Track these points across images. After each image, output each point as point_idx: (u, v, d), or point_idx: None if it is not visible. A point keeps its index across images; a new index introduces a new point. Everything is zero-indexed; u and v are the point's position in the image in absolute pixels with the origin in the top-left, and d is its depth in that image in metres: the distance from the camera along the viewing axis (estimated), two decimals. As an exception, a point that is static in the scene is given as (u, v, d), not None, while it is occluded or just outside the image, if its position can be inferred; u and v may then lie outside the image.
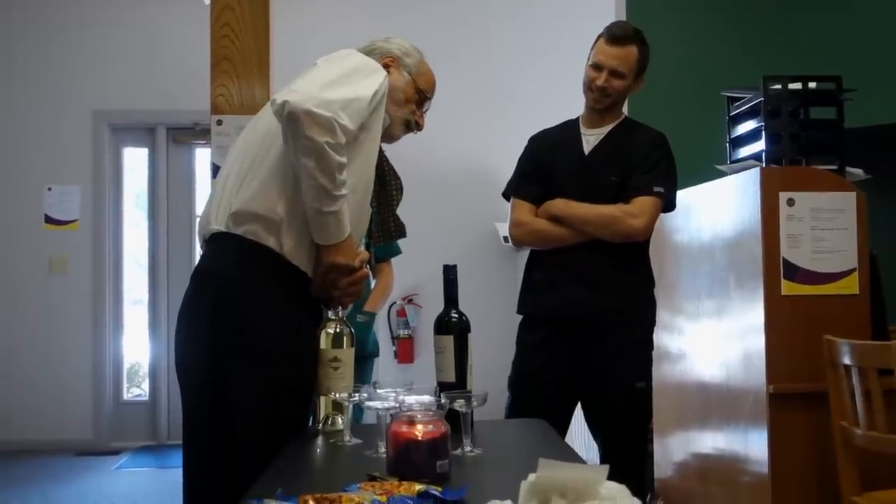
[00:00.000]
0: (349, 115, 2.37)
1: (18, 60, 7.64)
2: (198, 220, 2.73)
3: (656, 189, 3.34)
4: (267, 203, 2.43)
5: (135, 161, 8.11)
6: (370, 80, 2.50)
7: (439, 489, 1.69)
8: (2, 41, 7.64)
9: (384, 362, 7.02)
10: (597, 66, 3.39)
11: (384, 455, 2.04)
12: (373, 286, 4.31)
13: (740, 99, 3.94)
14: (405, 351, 7.48)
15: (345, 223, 2.44)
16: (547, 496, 1.41)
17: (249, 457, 2.36)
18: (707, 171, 4.05)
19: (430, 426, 1.86)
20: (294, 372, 2.46)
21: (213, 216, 2.53)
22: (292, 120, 2.30)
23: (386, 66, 2.69)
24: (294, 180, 2.41)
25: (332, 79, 2.42)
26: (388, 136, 2.76)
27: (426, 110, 2.87)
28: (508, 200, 3.57)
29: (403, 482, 1.73)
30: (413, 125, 2.80)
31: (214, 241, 2.53)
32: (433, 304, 7.14)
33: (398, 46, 2.81)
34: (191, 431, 2.55)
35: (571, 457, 2.12)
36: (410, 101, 2.77)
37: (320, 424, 2.51)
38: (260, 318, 2.44)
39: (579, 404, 3.48)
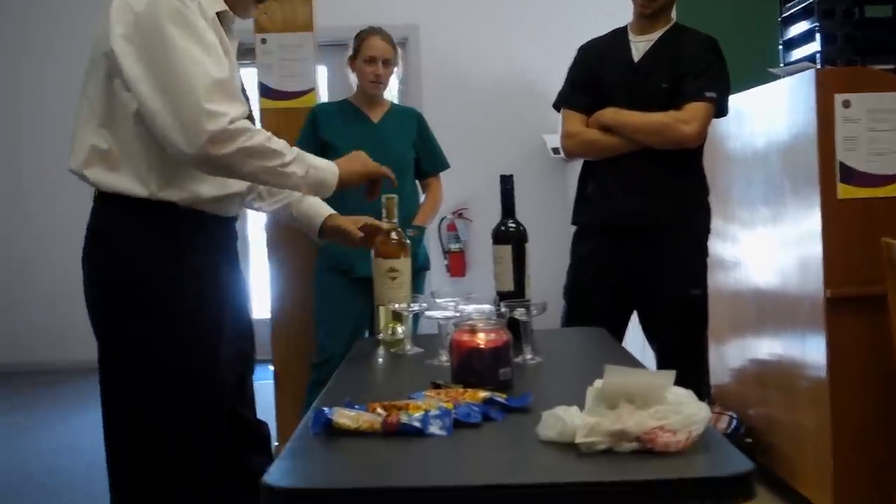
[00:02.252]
0: (227, 98, 2.13)
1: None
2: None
3: (708, 94, 3.29)
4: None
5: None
6: (194, 46, 2.14)
7: (504, 396, 1.71)
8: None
9: (436, 276, 7.09)
10: None
11: (446, 364, 2.07)
12: (422, 200, 4.32)
13: (793, -1, 3.86)
14: (457, 264, 7.51)
15: (324, 166, 2.34)
16: (614, 402, 1.42)
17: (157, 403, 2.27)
18: (759, 75, 3.98)
19: (493, 335, 1.88)
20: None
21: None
22: (207, 162, 2.14)
23: None
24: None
25: (180, 86, 2.11)
26: (243, 15, 2.51)
27: None
28: (559, 112, 3.54)
29: (468, 389, 1.76)
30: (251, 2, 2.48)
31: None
32: (483, 218, 7.23)
33: None
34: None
35: (634, 364, 2.13)
36: None
37: (380, 335, 2.54)
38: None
39: (634, 312, 3.49)
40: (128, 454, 2.29)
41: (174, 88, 2.11)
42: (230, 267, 2.44)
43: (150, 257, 2.25)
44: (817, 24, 3.61)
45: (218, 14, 2.30)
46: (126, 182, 2.22)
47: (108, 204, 2.27)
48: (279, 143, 2.23)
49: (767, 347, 3.99)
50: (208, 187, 2.29)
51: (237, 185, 2.37)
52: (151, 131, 2.16)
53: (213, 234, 2.37)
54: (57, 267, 7.14)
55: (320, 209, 2.70)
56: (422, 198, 4.35)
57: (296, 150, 2.28)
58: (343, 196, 2.54)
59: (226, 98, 2.13)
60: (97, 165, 2.25)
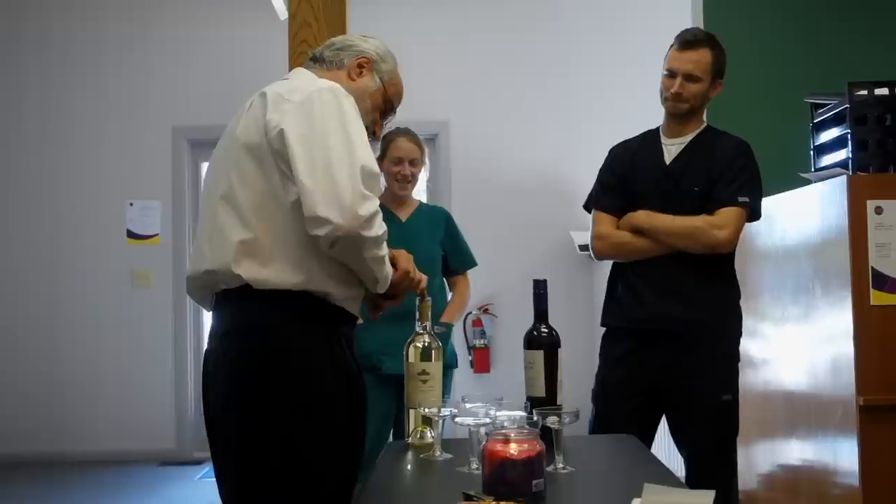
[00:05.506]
0: (376, 187, 2.32)
1: (99, 77, 7.78)
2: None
3: (741, 199, 3.28)
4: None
5: (213, 175, 8.19)
6: (351, 135, 2.30)
7: (537, 509, 1.69)
8: (82, 58, 7.79)
9: (461, 372, 7.04)
10: (671, 73, 3.36)
11: (477, 471, 2.04)
12: (449, 298, 4.33)
13: (824, 105, 3.89)
14: (481, 361, 7.46)
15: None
16: (651, 519, 1.40)
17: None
18: (790, 179, 3.99)
19: (525, 444, 1.86)
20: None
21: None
22: (353, 242, 2.22)
23: (359, 67, 2.59)
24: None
25: (340, 168, 2.22)
26: None
27: (388, 122, 2.72)
28: (589, 212, 3.54)
29: (500, 501, 1.73)
30: (370, 133, 2.56)
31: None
32: (508, 314, 7.21)
33: (375, 49, 2.64)
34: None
35: (665, 475, 2.09)
36: (377, 109, 2.63)
37: (409, 438, 2.53)
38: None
39: (664, 417, 3.45)
40: None
41: (334, 169, 2.22)
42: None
43: (310, 351, 2.31)
44: (849, 130, 3.63)
45: None
46: (280, 275, 2.28)
47: (258, 300, 2.30)
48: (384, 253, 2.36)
49: (798, 452, 3.93)
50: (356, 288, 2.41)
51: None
52: (304, 210, 2.22)
53: (346, 328, 2.45)
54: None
55: None
56: (449, 295, 4.35)
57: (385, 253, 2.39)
58: None
59: (376, 186, 2.30)
60: (249, 261, 2.29)
